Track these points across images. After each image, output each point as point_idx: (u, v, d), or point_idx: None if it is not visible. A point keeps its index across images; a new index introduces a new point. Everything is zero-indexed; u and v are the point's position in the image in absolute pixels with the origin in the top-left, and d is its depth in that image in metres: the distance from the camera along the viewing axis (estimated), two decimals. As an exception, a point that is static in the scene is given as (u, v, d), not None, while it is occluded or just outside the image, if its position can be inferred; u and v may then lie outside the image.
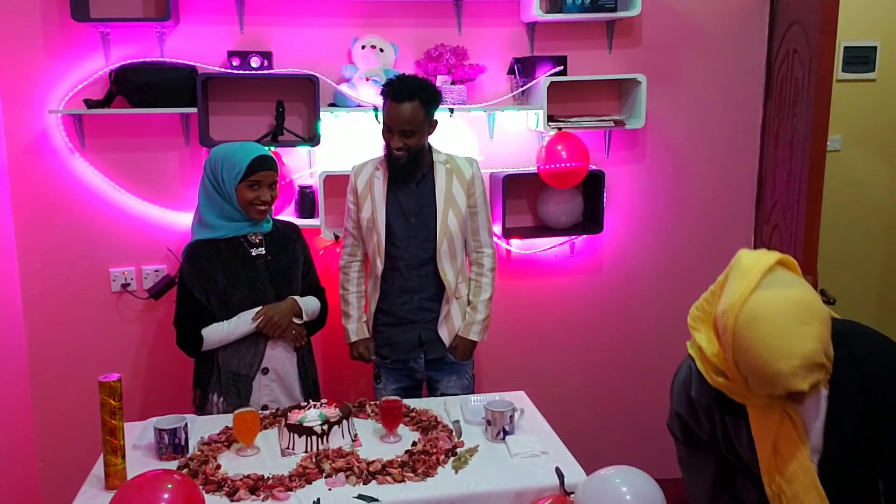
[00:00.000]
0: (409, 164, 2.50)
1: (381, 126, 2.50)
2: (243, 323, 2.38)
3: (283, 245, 2.49)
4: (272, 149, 2.76)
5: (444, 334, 2.60)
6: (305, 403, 2.25)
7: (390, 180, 2.56)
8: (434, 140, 2.59)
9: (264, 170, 2.36)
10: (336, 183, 2.93)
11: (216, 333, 2.37)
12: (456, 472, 1.99)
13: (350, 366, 2.96)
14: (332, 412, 2.18)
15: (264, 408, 2.43)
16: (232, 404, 2.36)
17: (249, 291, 2.39)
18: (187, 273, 2.38)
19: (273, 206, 2.49)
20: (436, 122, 2.53)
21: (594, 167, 3.11)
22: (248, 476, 1.95)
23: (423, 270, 2.56)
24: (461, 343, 2.61)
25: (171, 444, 2.06)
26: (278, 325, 2.40)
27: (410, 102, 2.42)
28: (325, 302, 2.60)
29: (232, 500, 1.87)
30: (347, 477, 1.95)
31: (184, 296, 2.40)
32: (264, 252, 2.44)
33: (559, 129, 3.00)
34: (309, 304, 2.50)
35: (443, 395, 2.60)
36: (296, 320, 2.45)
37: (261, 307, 2.39)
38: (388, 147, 2.49)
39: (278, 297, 2.43)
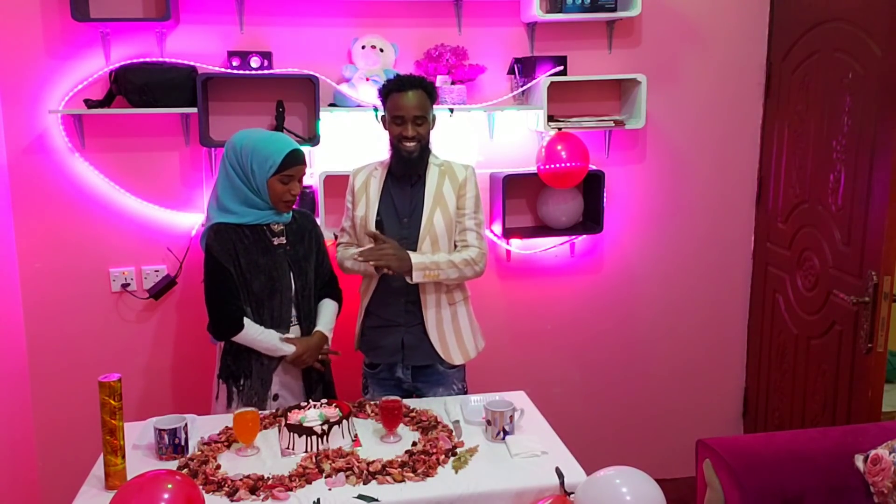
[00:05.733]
0: (421, 157, 2.49)
1: (389, 122, 2.48)
2: (274, 347, 2.40)
3: (301, 235, 2.51)
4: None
5: (434, 337, 2.55)
6: (306, 403, 2.25)
7: (388, 180, 2.56)
8: (435, 140, 2.58)
9: (297, 164, 2.37)
10: (336, 183, 2.93)
11: (253, 331, 2.38)
12: (456, 472, 1.99)
13: (348, 366, 2.97)
14: (332, 412, 2.18)
15: (275, 398, 2.46)
16: (258, 393, 2.43)
17: (267, 280, 2.40)
18: (218, 250, 2.35)
19: None
20: (435, 116, 2.55)
21: (594, 167, 3.11)
22: (248, 476, 1.95)
23: None
24: (401, 253, 2.41)
25: (171, 444, 2.06)
26: (305, 362, 2.45)
27: (415, 91, 2.44)
28: (340, 295, 2.63)
29: (232, 500, 1.87)
30: (347, 477, 1.95)
31: (218, 272, 2.37)
32: (285, 242, 2.45)
33: (559, 129, 3.00)
34: (332, 317, 2.57)
35: None
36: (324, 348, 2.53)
37: (295, 344, 2.42)
38: (397, 141, 2.48)
39: (294, 287, 2.46)
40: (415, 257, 2.43)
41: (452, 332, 2.58)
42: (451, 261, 2.49)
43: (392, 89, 2.46)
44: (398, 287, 2.54)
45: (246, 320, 2.38)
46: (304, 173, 2.41)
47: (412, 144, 2.46)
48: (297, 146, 2.39)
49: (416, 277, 2.44)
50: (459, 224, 2.56)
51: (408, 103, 2.44)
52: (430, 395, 2.59)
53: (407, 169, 2.51)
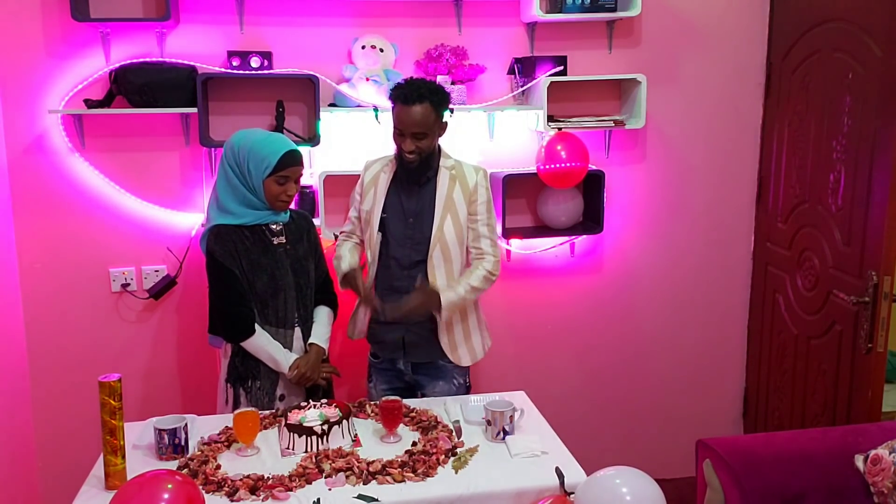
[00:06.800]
0: (421, 167, 2.48)
1: (392, 130, 2.46)
2: (275, 361, 2.41)
3: (300, 235, 2.51)
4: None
5: (444, 339, 2.55)
6: (306, 403, 2.25)
7: (397, 179, 2.55)
8: (443, 140, 2.57)
9: (293, 165, 2.37)
10: (336, 183, 2.93)
11: (263, 339, 2.39)
12: (456, 472, 1.99)
13: (348, 366, 2.97)
14: (332, 412, 2.18)
15: (282, 398, 2.46)
16: (268, 394, 2.43)
17: (270, 280, 2.41)
18: (220, 253, 2.36)
19: None
20: (446, 123, 2.51)
21: (594, 167, 3.11)
22: (248, 476, 1.95)
23: (415, 272, 2.53)
24: (431, 294, 2.45)
25: (171, 444, 2.06)
26: (310, 379, 2.45)
27: (421, 105, 2.39)
28: (336, 300, 2.63)
29: (232, 500, 1.87)
30: (347, 477, 1.95)
31: (224, 275, 2.37)
32: (284, 241, 2.45)
33: (559, 129, 3.00)
34: (327, 326, 2.56)
35: None
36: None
37: (294, 362, 2.41)
38: (399, 150, 2.47)
39: (297, 285, 2.46)
40: (444, 298, 2.45)
41: (461, 333, 2.59)
42: (473, 286, 2.52)
43: (398, 99, 2.42)
44: (400, 286, 2.54)
45: (256, 326, 2.39)
46: (300, 174, 2.41)
47: (412, 157, 2.45)
48: (293, 147, 2.39)
49: (445, 317, 2.50)
50: (473, 230, 2.56)
51: (409, 118, 2.40)
52: (430, 389, 2.61)
53: (410, 175, 2.51)
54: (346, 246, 2.67)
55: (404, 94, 2.40)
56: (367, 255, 2.61)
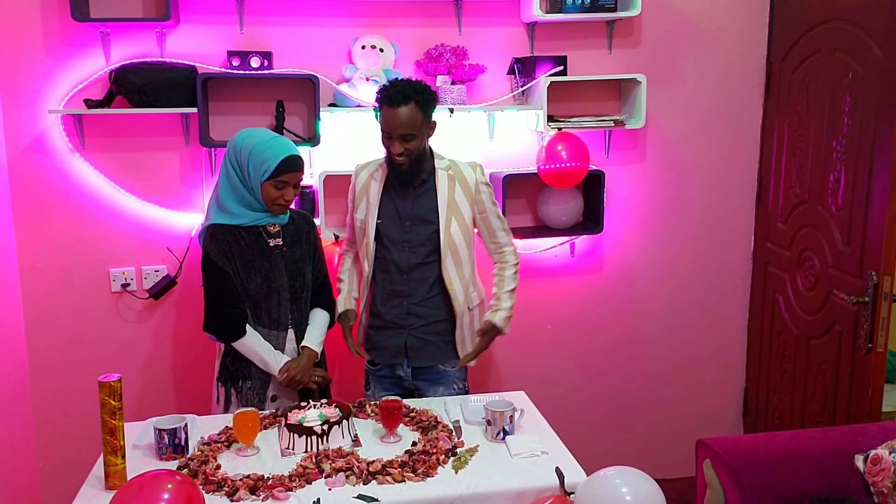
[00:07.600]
0: (411, 169, 2.46)
1: (381, 133, 2.45)
2: (266, 364, 2.40)
3: (298, 237, 2.50)
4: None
5: (459, 342, 2.57)
6: (305, 403, 2.25)
7: (389, 182, 2.54)
8: (435, 140, 2.57)
9: (292, 171, 2.35)
10: (336, 183, 2.93)
11: (253, 341, 2.39)
12: (456, 472, 1.99)
13: (348, 367, 2.97)
14: (332, 412, 2.18)
15: (273, 398, 2.45)
16: (258, 394, 2.43)
17: (264, 281, 2.40)
18: (215, 252, 2.35)
19: None
20: (435, 123, 2.49)
21: (594, 167, 3.11)
22: (248, 476, 1.95)
23: (415, 275, 2.53)
24: (491, 328, 2.57)
25: (171, 444, 2.06)
26: (300, 382, 2.44)
27: (407, 106, 2.37)
28: (333, 303, 2.62)
29: (232, 500, 1.87)
30: (347, 477, 1.95)
31: (217, 275, 2.36)
32: (281, 243, 2.45)
33: (559, 129, 3.00)
34: (321, 330, 2.54)
35: None
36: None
37: (285, 364, 2.41)
38: (388, 153, 2.46)
39: (291, 288, 2.45)
40: (499, 319, 2.55)
41: (470, 337, 2.60)
42: (512, 290, 2.60)
43: (384, 101, 2.40)
44: (401, 290, 2.54)
45: (248, 328, 2.38)
46: (299, 179, 2.39)
47: (401, 159, 2.43)
48: (294, 152, 2.36)
49: (507, 330, 2.60)
50: (487, 227, 2.59)
51: (395, 120, 2.38)
52: (431, 394, 2.60)
53: (402, 178, 2.49)
54: (346, 265, 2.71)
55: (389, 96, 2.38)
56: (363, 264, 2.60)
